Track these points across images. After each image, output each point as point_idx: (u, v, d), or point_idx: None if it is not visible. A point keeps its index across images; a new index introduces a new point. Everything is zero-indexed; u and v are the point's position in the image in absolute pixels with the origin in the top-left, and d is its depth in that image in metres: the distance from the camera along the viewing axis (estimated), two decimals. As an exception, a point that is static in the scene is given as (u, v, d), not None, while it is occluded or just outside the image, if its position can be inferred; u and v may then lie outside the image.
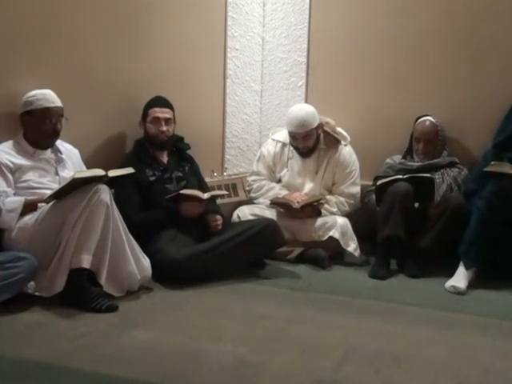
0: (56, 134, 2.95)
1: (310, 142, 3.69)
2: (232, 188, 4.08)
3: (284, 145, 3.83)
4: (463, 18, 3.74)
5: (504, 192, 3.10)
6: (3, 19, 2.89)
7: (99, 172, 2.75)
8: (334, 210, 3.67)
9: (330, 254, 3.52)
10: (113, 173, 2.81)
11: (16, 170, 2.84)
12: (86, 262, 2.65)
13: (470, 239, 3.18)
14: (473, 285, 3.14)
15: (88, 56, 3.27)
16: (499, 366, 2.28)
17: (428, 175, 3.42)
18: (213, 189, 3.75)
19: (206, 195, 3.27)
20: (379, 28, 3.94)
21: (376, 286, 3.19)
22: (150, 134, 3.37)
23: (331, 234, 3.52)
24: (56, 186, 2.81)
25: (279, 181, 3.85)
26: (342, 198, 3.71)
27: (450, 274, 3.18)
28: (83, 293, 2.67)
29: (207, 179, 3.77)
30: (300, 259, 3.55)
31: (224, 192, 3.75)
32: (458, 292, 3.07)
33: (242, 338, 2.45)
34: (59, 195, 2.72)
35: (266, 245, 3.32)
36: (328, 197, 3.70)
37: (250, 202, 3.88)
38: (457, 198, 3.40)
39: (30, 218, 2.76)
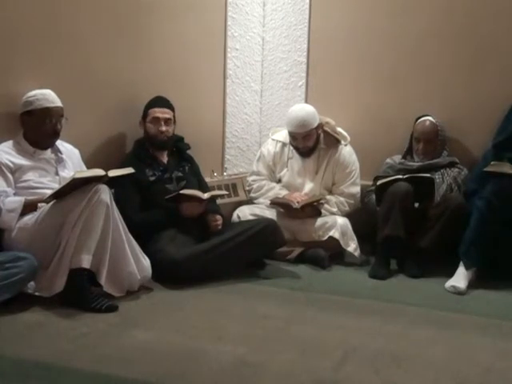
0: (56, 134, 2.95)
1: (309, 142, 3.69)
2: (232, 188, 4.08)
3: (284, 145, 3.83)
4: (463, 18, 3.74)
5: (504, 192, 3.10)
6: (3, 19, 2.89)
7: (99, 172, 2.75)
8: (334, 210, 3.67)
9: (330, 254, 3.52)
10: (113, 173, 2.81)
11: (16, 170, 2.84)
12: (86, 261, 2.65)
13: (470, 239, 3.18)
14: (473, 285, 3.14)
15: (88, 56, 3.27)
16: (499, 366, 2.28)
17: (428, 175, 3.42)
18: (213, 189, 3.75)
19: (206, 195, 3.27)
20: (379, 28, 3.94)
21: (376, 286, 3.19)
22: (150, 133, 3.37)
23: (331, 234, 3.52)
24: (56, 186, 2.81)
25: (279, 181, 3.85)
26: (342, 198, 3.71)
27: (450, 274, 3.18)
28: (83, 293, 2.67)
29: (207, 179, 3.77)
30: (300, 259, 3.55)
31: (224, 192, 3.75)
32: (458, 292, 3.07)
33: (242, 338, 2.45)
34: (59, 195, 2.72)
35: (265, 245, 3.32)
36: (328, 197, 3.70)
37: (250, 202, 3.88)
38: (457, 198, 3.40)
39: (29, 218, 2.76)
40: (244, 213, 3.67)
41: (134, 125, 3.41)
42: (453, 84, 3.80)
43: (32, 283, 2.67)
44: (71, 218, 2.66)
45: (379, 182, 3.42)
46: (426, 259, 3.37)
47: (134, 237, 2.90)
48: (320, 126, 3.71)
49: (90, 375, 2.11)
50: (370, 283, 3.25)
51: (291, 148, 3.79)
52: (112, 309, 2.66)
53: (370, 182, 3.69)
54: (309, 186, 3.74)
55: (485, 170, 3.20)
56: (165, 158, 3.44)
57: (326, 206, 3.65)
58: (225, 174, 4.16)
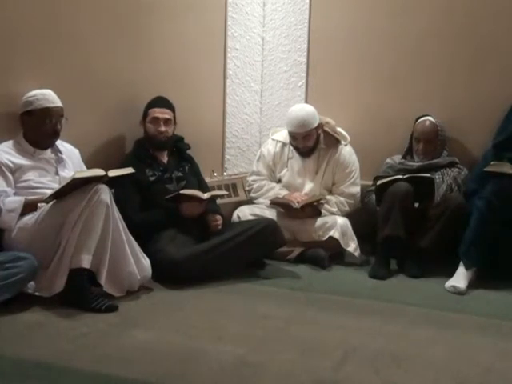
0: (56, 134, 2.95)
1: (310, 142, 3.69)
2: (232, 188, 4.08)
3: (284, 145, 3.83)
4: (463, 18, 3.74)
5: (504, 192, 3.11)
6: (3, 19, 2.89)
7: (99, 172, 2.75)
8: (334, 209, 3.67)
9: (330, 254, 3.52)
10: (113, 173, 2.81)
11: (16, 170, 2.84)
12: (86, 261, 2.64)
13: (469, 239, 3.18)
14: (473, 285, 3.14)
15: (88, 56, 3.27)
16: (499, 366, 2.28)
17: (428, 175, 3.42)
18: (213, 189, 3.75)
19: (206, 195, 3.27)
20: (379, 28, 3.94)
21: (376, 286, 3.19)
22: (149, 133, 3.37)
23: (331, 234, 3.52)
24: (56, 186, 2.81)
25: (279, 181, 3.85)
26: (341, 198, 3.71)
27: (450, 274, 3.18)
28: (83, 293, 2.67)
29: (207, 179, 3.77)
30: (300, 259, 3.55)
31: (224, 192, 3.75)
32: (458, 292, 3.07)
33: (242, 338, 2.45)
34: (59, 195, 2.72)
35: (265, 245, 3.32)
36: (328, 197, 3.70)
37: (250, 202, 3.88)
38: (457, 198, 3.40)
39: (29, 218, 2.76)
40: (244, 213, 3.67)
41: (134, 125, 3.41)
42: (453, 84, 3.80)
43: (32, 283, 2.67)
44: (71, 218, 2.66)
45: (379, 182, 3.42)
46: (426, 259, 3.37)
47: (134, 237, 2.90)
48: (320, 126, 3.71)
49: (90, 375, 2.11)
50: (370, 283, 3.25)
51: (291, 148, 3.79)
52: (112, 309, 2.66)
53: (370, 182, 3.69)
54: (309, 186, 3.74)
55: (485, 169, 3.20)
56: (165, 158, 3.44)
57: (325, 205, 3.65)
58: (225, 173, 4.16)
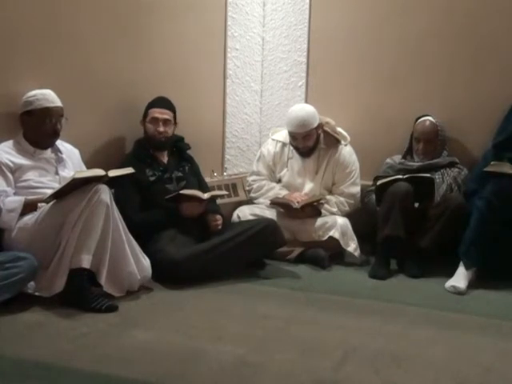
0: (56, 134, 2.95)
1: (310, 142, 3.69)
2: (232, 188, 4.08)
3: (284, 145, 3.83)
4: (463, 18, 3.74)
5: (504, 192, 3.11)
6: (3, 19, 2.89)
7: (99, 172, 2.75)
8: (334, 209, 3.67)
9: (330, 254, 3.52)
10: (113, 173, 2.81)
11: (16, 170, 2.84)
12: (85, 261, 2.65)
13: (470, 239, 3.18)
14: (473, 285, 3.14)
15: (88, 56, 3.27)
16: (499, 366, 2.28)
17: (428, 175, 3.42)
18: (213, 189, 3.75)
19: (206, 195, 3.27)
20: (379, 28, 3.94)
21: (376, 286, 3.19)
22: (149, 133, 3.37)
23: (331, 234, 3.52)
24: (56, 186, 2.81)
25: (279, 181, 3.85)
26: (341, 198, 3.71)
27: (450, 274, 3.18)
28: (83, 293, 2.67)
29: (207, 179, 3.77)
30: (300, 259, 3.55)
31: (224, 192, 3.75)
32: (458, 292, 3.07)
33: (242, 338, 2.45)
34: (59, 195, 2.72)
35: (265, 245, 3.32)
36: (328, 197, 3.70)
37: (250, 202, 3.88)
38: (457, 198, 3.40)
39: (29, 218, 2.76)
40: (244, 213, 3.67)
41: (134, 125, 3.41)
42: (453, 84, 3.80)
43: (32, 283, 2.67)
44: (71, 218, 2.66)
45: (379, 182, 3.42)
46: (425, 259, 3.37)
47: (134, 237, 2.90)
48: (320, 126, 3.71)
49: (90, 375, 2.11)
50: (370, 283, 3.25)
51: (291, 148, 3.79)
52: (112, 309, 2.66)
53: (370, 182, 3.69)
54: (309, 186, 3.74)
55: (485, 169, 3.20)
56: (165, 158, 3.44)
57: (325, 205, 3.65)
58: (225, 173, 4.16)
